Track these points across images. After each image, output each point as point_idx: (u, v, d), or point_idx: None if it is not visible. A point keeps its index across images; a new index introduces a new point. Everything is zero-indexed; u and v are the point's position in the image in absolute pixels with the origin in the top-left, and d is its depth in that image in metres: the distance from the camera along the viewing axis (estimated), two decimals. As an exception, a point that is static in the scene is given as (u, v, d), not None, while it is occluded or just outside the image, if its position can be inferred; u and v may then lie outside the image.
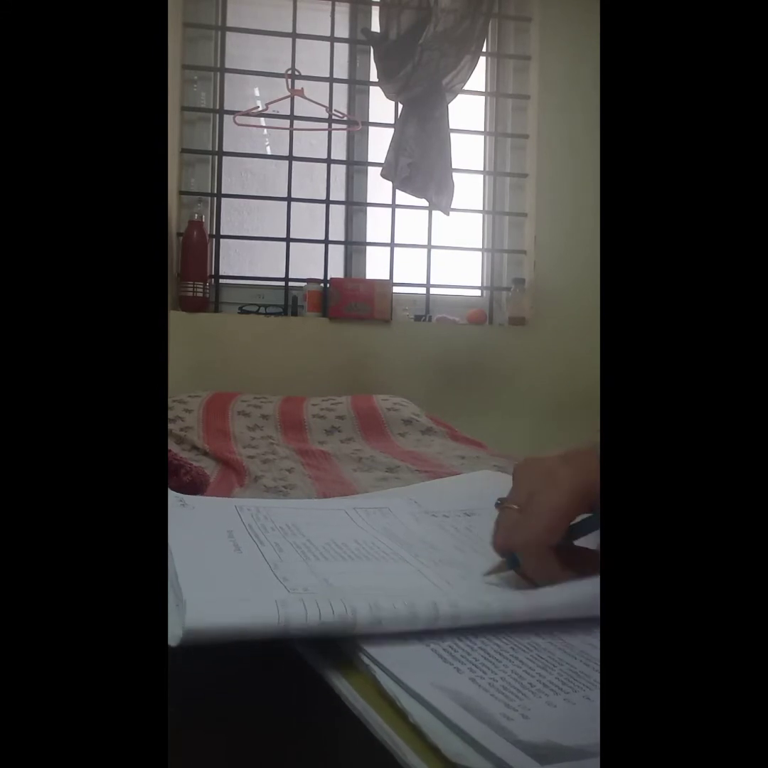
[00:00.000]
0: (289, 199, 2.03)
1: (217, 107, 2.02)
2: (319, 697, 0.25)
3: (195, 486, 0.70)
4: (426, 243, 2.11)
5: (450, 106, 1.99)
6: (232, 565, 0.33)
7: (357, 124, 2.08)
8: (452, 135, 1.99)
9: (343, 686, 0.24)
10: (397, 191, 2.02)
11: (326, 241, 2.06)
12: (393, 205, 2.09)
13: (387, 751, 0.21)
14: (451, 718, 0.21)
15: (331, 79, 2.06)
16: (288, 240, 2.03)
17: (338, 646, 0.27)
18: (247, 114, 1.99)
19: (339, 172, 2.12)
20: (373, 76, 1.98)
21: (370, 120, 2.12)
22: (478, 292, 2.18)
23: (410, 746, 0.20)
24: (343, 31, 2.11)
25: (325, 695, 0.25)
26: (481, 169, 2.19)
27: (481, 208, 2.19)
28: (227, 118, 2.00)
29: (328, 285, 1.99)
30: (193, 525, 0.39)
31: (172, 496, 0.42)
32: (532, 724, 0.21)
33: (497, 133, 2.18)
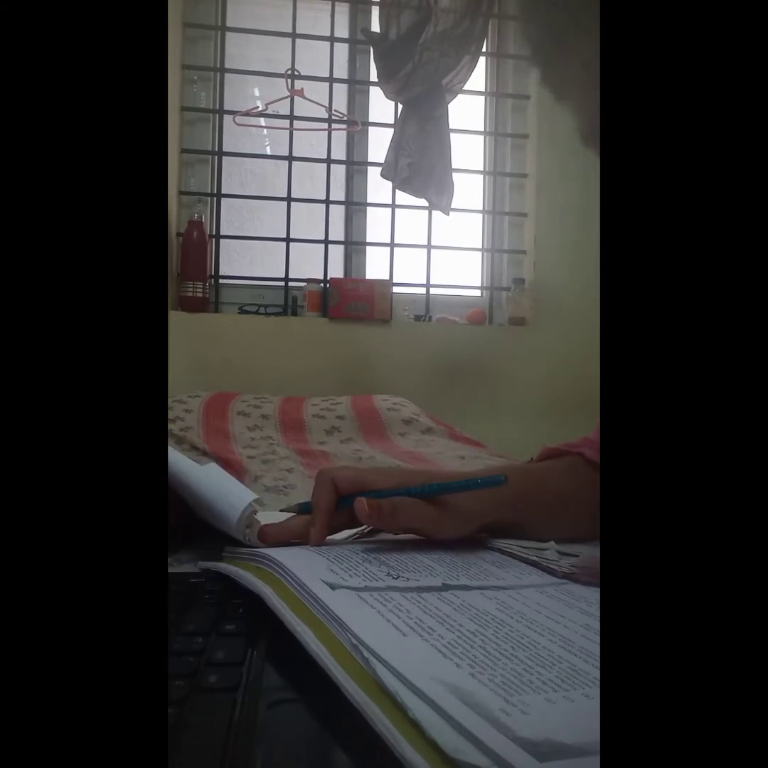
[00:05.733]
0: (288, 199, 2.04)
1: (217, 107, 2.02)
2: (319, 689, 0.25)
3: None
4: (426, 243, 2.12)
5: (450, 106, 1.99)
6: None
7: (357, 124, 2.08)
8: (452, 135, 2.00)
9: (344, 678, 0.24)
10: (397, 191, 2.02)
11: (326, 241, 2.06)
12: (393, 205, 2.09)
13: (386, 745, 0.21)
14: (450, 712, 0.21)
15: (330, 79, 2.06)
16: (288, 240, 2.04)
17: (339, 640, 0.27)
18: (247, 114, 1.99)
19: (339, 172, 2.12)
20: (373, 76, 1.98)
21: (370, 120, 2.13)
22: (478, 292, 2.19)
23: (409, 740, 0.20)
24: (343, 31, 2.12)
25: (324, 688, 0.25)
26: (481, 169, 2.20)
27: (481, 208, 2.19)
28: (227, 118, 2.00)
29: (328, 285, 1.99)
30: None
31: None
32: (531, 721, 0.21)
33: (497, 133, 2.18)
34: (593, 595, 0.35)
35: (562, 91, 0.40)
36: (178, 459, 0.45)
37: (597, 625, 0.30)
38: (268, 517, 0.46)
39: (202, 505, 0.44)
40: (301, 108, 2.03)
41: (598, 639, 0.28)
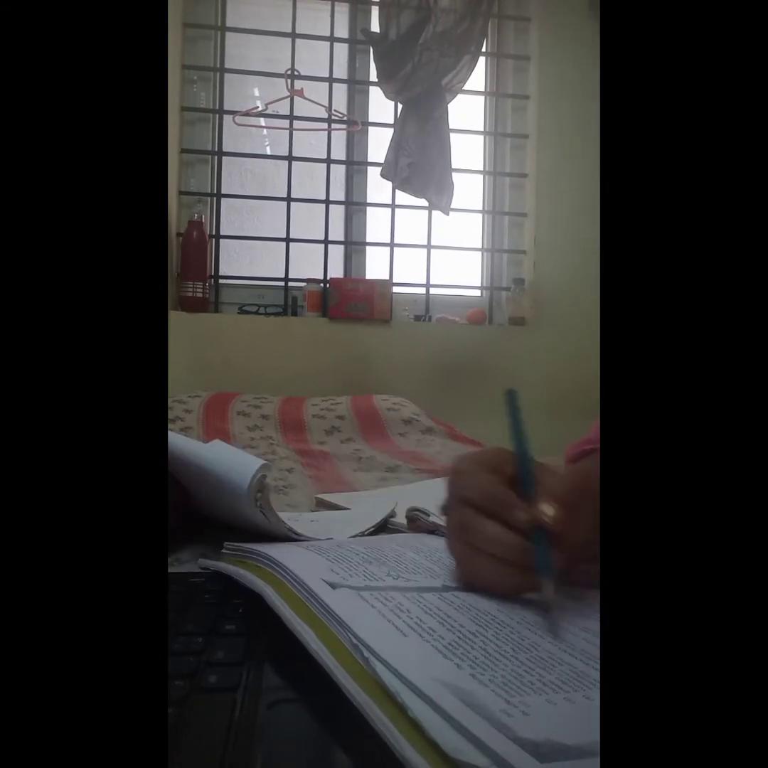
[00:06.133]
0: (288, 199, 2.03)
1: (217, 107, 2.02)
2: (319, 689, 0.25)
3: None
4: (426, 243, 2.12)
5: (450, 106, 1.99)
6: None
7: (357, 124, 2.08)
8: (452, 135, 2.00)
9: (344, 678, 0.24)
10: (397, 191, 2.02)
11: (326, 241, 2.06)
12: (393, 205, 2.09)
13: (386, 745, 0.21)
14: (451, 712, 0.21)
15: (330, 79, 2.06)
16: (288, 240, 2.04)
17: (339, 640, 0.27)
18: (247, 114, 1.99)
19: (339, 172, 2.12)
20: (373, 76, 1.98)
21: (370, 120, 2.12)
22: (478, 292, 2.19)
23: (409, 741, 0.20)
24: (342, 31, 2.11)
25: (324, 688, 0.25)
26: (481, 169, 2.20)
27: (481, 208, 2.19)
28: (227, 118, 2.00)
29: (327, 285, 1.99)
30: None
31: None
32: (532, 722, 0.21)
33: (497, 133, 2.18)
34: (593, 597, 0.35)
35: None
36: (182, 441, 0.46)
37: (597, 627, 0.30)
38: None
39: (211, 480, 0.45)
40: (301, 108, 2.02)
41: (598, 641, 0.28)
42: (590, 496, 0.34)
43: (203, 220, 1.94)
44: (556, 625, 0.30)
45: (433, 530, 0.50)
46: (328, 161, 2.07)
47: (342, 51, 2.12)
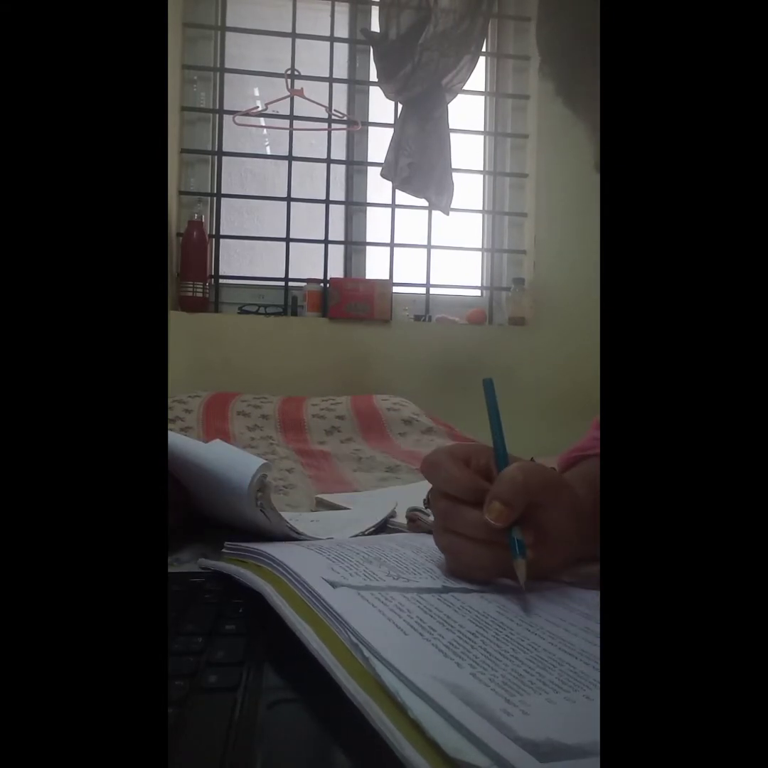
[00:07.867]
0: (288, 199, 2.04)
1: (217, 107, 2.02)
2: (319, 689, 0.25)
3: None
4: (426, 243, 2.12)
5: (450, 106, 1.99)
6: None
7: (357, 124, 2.08)
8: (452, 135, 2.00)
9: (344, 677, 0.24)
10: (397, 191, 2.02)
11: (326, 241, 2.06)
12: (393, 205, 2.09)
13: (386, 744, 0.21)
14: (451, 712, 0.21)
15: (330, 79, 2.06)
16: (288, 240, 2.04)
17: (340, 639, 0.27)
18: (247, 114, 1.99)
19: (339, 172, 2.12)
20: (373, 76, 1.98)
21: (370, 120, 2.12)
22: (478, 292, 2.19)
23: (409, 740, 0.20)
24: (342, 31, 2.11)
25: (324, 688, 0.25)
26: (481, 169, 2.20)
27: (481, 208, 2.19)
28: (227, 118, 2.00)
29: (327, 285, 1.99)
30: None
31: None
32: (532, 721, 0.21)
33: (497, 133, 2.18)
34: (593, 598, 0.35)
35: (582, 114, 0.41)
36: (182, 440, 0.46)
37: (597, 628, 0.30)
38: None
39: (211, 480, 0.45)
40: (301, 108, 2.03)
41: (598, 642, 0.28)
42: (553, 491, 0.38)
43: (203, 220, 1.94)
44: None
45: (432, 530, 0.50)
46: (328, 161, 2.07)
47: (342, 51, 2.12)
